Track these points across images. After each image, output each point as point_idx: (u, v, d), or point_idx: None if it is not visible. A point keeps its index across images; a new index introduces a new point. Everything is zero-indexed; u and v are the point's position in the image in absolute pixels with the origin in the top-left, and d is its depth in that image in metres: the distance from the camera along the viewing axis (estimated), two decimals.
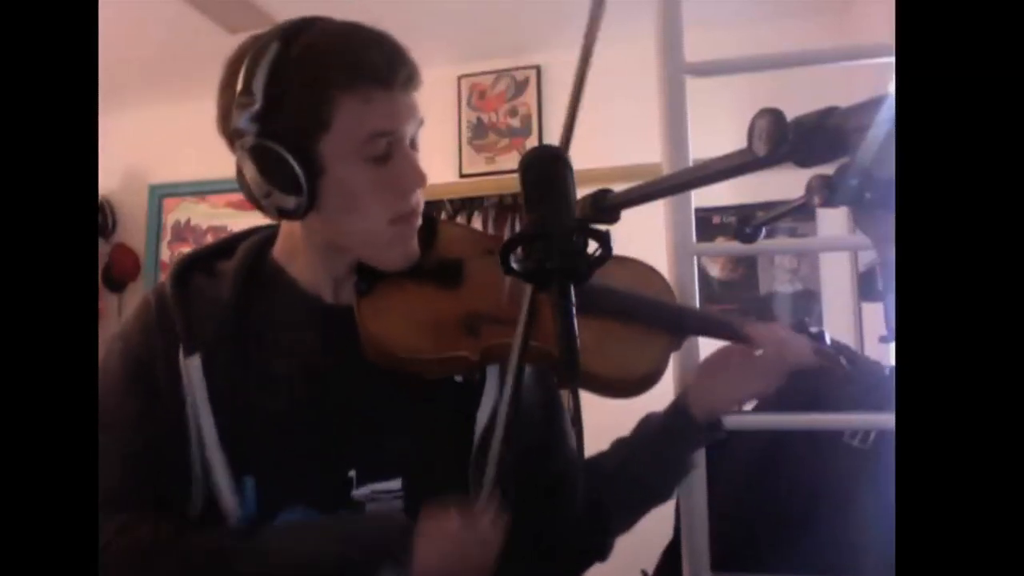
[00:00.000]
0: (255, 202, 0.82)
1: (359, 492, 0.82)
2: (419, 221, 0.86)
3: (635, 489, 0.92)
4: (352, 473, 0.82)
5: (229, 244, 0.92)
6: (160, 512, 0.79)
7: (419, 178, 0.82)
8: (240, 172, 0.82)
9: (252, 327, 0.85)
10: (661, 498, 0.94)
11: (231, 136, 0.81)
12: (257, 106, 0.77)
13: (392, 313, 0.83)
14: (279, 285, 0.88)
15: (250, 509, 0.80)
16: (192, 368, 0.80)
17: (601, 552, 0.94)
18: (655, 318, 0.91)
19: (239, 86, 0.78)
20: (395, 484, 0.83)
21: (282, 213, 0.81)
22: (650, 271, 0.98)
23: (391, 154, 0.81)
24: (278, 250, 0.91)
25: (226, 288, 0.86)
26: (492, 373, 0.89)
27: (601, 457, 0.95)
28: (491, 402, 0.88)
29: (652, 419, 0.94)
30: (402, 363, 0.81)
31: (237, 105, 0.78)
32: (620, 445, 0.95)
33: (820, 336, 0.96)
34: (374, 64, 0.78)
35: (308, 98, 0.77)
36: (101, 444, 0.64)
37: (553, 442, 0.97)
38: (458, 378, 0.88)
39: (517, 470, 0.89)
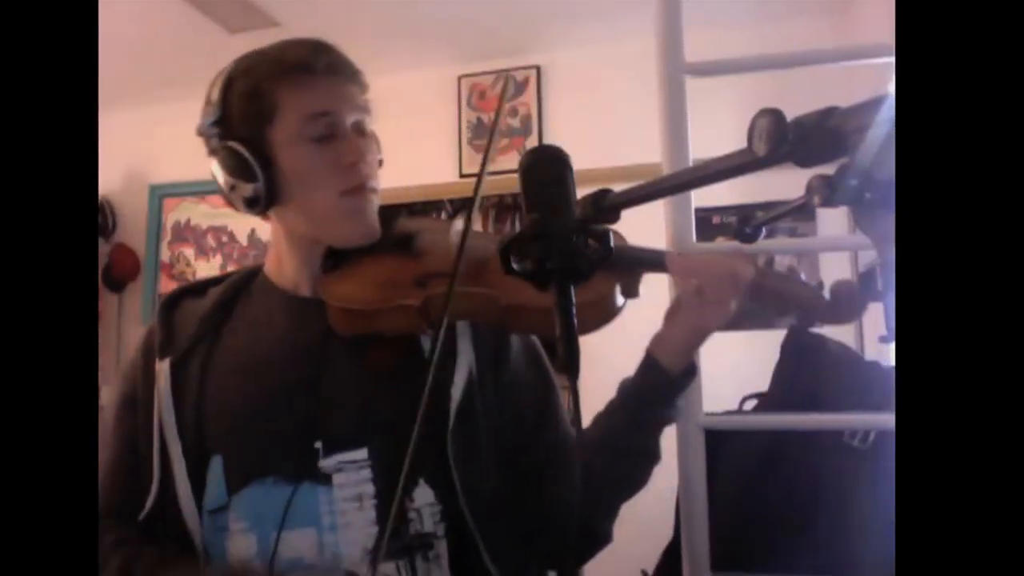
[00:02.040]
0: (227, 199, 0.94)
1: (325, 463, 0.87)
2: (374, 198, 0.94)
3: (621, 452, 0.90)
4: (318, 444, 0.87)
5: (225, 276, 1.05)
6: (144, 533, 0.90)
7: (359, 154, 0.91)
8: (214, 175, 0.94)
9: (233, 325, 0.97)
10: (649, 456, 0.92)
11: (205, 144, 0.94)
12: (216, 113, 0.92)
13: (351, 278, 0.92)
14: (264, 292, 1.00)
15: (217, 485, 0.88)
16: (161, 371, 0.92)
17: (601, 537, 0.94)
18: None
19: (205, 100, 0.94)
20: (361, 454, 0.87)
21: (248, 204, 0.92)
22: None
23: (334, 135, 0.91)
24: (267, 267, 1.02)
25: (210, 302, 0.99)
26: (464, 349, 0.93)
27: (582, 432, 0.93)
28: (464, 377, 0.91)
29: (625, 381, 0.92)
30: (358, 318, 0.89)
31: (202, 115, 0.93)
32: (598, 416, 0.94)
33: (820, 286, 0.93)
34: (298, 56, 0.92)
35: (250, 97, 0.91)
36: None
37: (545, 429, 0.97)
38: (427, 355, 0.90)
39: (510, 458, 0.92)
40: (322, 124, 0.90)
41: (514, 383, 0.96)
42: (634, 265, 0.92)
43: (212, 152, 0.92)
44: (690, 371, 0.90)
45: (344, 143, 0.91)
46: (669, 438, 1.00)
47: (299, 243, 0.96)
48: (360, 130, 0.93)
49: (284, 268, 0.98)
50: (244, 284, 1.02)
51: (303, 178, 0.90)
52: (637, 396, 0.90)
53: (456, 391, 0.89)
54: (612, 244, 0.59)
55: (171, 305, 1.00)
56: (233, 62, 0.95)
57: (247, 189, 0.90)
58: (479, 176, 0.90)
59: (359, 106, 0.94)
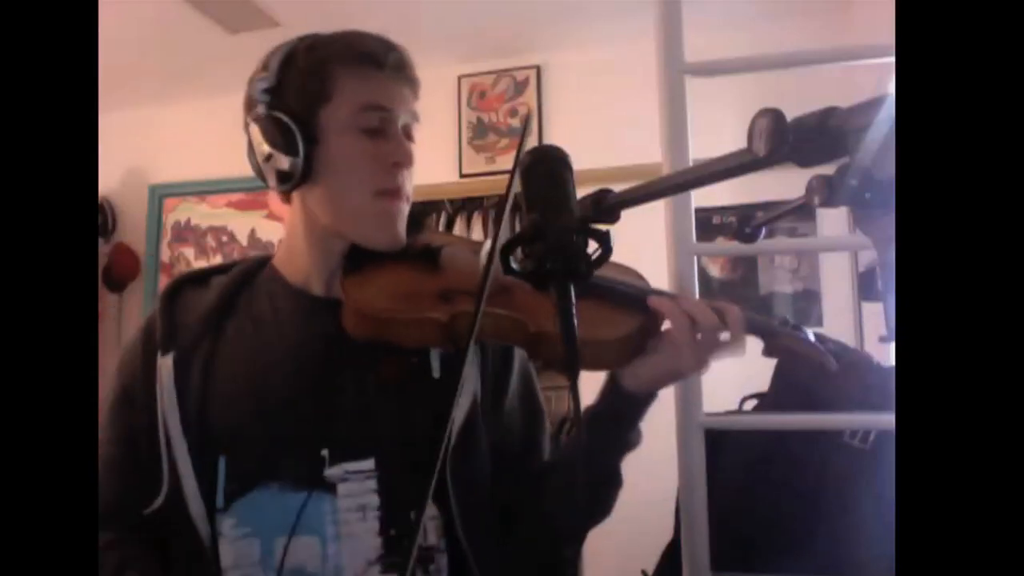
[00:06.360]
0: (258, 171, 0.92)
1: (331, 471, 0.86)
2: (405, 205, 0.93)
3: (585, 477, 0.90)
4: (325, 452, 0.86)
5: (229, 264, 1.02)
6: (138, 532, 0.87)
7: (405, 156, 0.91)
8: (249, 144, 0.92)
9: (238, 321, 0.93)
10: (613, 482, 0.92)
11: (246, 109, 0.92)
12: (271, 81, 0.90)
13: (373, 284, 0.90)
14: (272, 285, 0.96)
15: (222, 487, 0.86)
16: (164, 367, 0.89)
17: (561, 561, 0.96)
18: (621, 297, 0.90)
19: (259, 66, 0.92)
20: (368, 464, 0.86)
21: (281, 178, 0.89)
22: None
23: (383, 131, 0.90)
24: (277, 258, 0.99)
25: (214, 294, 0.95)
26: (471, 375, 0.92)
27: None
28: (468, 401, 0.90)
29: (587, 408, 0.91)
30: (378, 325, 0.86)
31: (255, 80, 0.91)
32: (563, 443, 0.96)
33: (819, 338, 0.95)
34: (369, 48, 0.91)
35: (313, 74, 0.90)
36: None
37: (528, 460, 0.97)
38: (436, 374, 0.91)
39: (497, 482, 0.92)
40: (376, 118, 0.90)
41: (509, 414, 0.96)
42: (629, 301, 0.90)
43: (255, 119, 0.90)
44: (651, 394, 0.89)
45: (392, 142, 0.90)
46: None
47: (318, 235, 0.93)
48: (408, 134, 0.93)
49: (297, 261, 0.95)
50: (250, 276, 0.98)
51: (343, 166, 0.89)
52: (601, 421, 0.88)
53: (459, 414, 0.89)
54: (611, 245, 0.59)
55: (173, 296, 0.96)
56: (296, 38, 0.93)
57: (284, 162, 0.88)
58: (507, 194, 0.80)
59: (412, 110, 0.93)
